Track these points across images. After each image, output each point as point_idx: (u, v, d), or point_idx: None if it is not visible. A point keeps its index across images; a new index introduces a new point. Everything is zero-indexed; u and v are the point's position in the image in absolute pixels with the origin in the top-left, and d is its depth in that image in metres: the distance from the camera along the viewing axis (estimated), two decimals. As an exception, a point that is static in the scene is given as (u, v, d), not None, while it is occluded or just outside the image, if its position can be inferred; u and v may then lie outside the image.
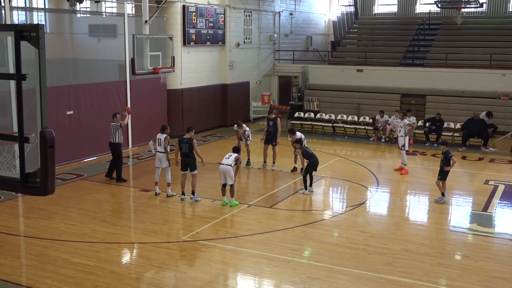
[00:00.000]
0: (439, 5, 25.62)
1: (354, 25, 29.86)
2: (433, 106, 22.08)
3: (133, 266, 9.32)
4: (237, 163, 12.58)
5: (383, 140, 20.39)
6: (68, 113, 16.19)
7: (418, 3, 29.65)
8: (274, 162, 15.85)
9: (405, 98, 22.98)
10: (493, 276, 8.82)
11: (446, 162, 12.58)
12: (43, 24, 5.82)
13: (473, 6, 25.52)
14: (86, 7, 22.06)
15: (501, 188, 14.08)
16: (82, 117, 16.68)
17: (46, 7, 23.40)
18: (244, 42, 24.04)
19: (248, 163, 16.12)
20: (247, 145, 16.03)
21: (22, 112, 4.21)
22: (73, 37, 18.15)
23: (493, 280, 8.67)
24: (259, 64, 25.39)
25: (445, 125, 20.02)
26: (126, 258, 9.82)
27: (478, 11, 27.67)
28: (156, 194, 13.18)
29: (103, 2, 22.57)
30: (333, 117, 22.59)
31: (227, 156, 12.41)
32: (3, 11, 13.97)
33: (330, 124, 22.28)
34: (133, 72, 15.71)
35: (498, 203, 12.92)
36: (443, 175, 12.64)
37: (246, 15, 23.98)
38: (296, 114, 23.28)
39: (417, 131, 20.05)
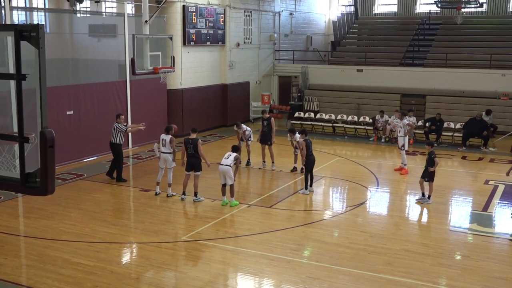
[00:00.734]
0: (439, 5, 25.62)
1: (354, 25, 29.85)
2: (433, 106, 22.07)
3: (133, 266, 9.32)
4: (237, 162, 12.54)
5: (383, 140, 20.39)
6: (68, 113, 16.19)
7: (418, 3, 29.65)
8: (273, 162, 15.83)
9: (405, 98, 22.98)
10: (493, 276, 8.82)
11: (430, 163, 12.58)
12: (43, 24, 5.82)
13: (473, 6, 25.53)
14: (86, 7, 22.06)
15: (501, 188, 14.07)
16: (82, 117, 16.68)
17: (46, 7, 23.40)
18: (244, 42, 24.04)
19: (248, 163, 16.12)
20: (248, 145, 16.04)
21: (22, 112, 4.21)
22: (73, 37, 18.15)
23: (493, 280, 8.67)
24: (259, 64, 25.38)
25: (445, 125, 20.02)
26: (126, 258, 9.82)
27: (478, 11, 27.67)
28: (156, 194, 13.18)
29: (103, 2, 22.57)
30: (333, 117, 22.59)
31: (226, 156, 12.35)
32: (3, 11, 13.97)
33: (330, 124, 22.28)
34: (133, 72, 15.72)
35: (498, 203, 12.92)
36: (429, 176, 12.63)
37: (246, 15, 23.98)
38: (296, 114, 23.28)
39: (417, 131, 20.07)
